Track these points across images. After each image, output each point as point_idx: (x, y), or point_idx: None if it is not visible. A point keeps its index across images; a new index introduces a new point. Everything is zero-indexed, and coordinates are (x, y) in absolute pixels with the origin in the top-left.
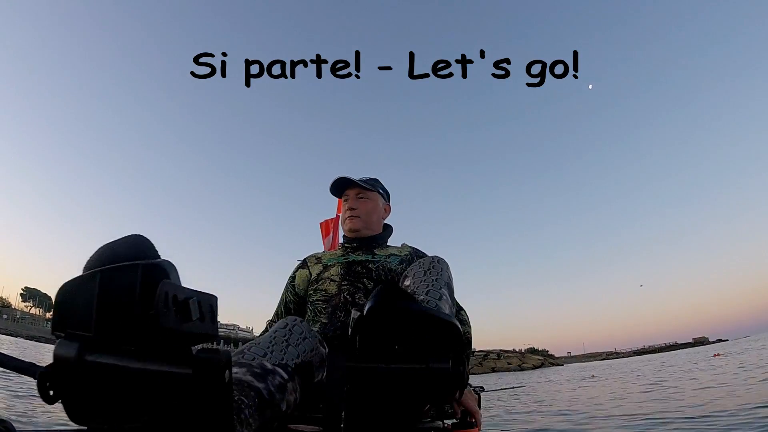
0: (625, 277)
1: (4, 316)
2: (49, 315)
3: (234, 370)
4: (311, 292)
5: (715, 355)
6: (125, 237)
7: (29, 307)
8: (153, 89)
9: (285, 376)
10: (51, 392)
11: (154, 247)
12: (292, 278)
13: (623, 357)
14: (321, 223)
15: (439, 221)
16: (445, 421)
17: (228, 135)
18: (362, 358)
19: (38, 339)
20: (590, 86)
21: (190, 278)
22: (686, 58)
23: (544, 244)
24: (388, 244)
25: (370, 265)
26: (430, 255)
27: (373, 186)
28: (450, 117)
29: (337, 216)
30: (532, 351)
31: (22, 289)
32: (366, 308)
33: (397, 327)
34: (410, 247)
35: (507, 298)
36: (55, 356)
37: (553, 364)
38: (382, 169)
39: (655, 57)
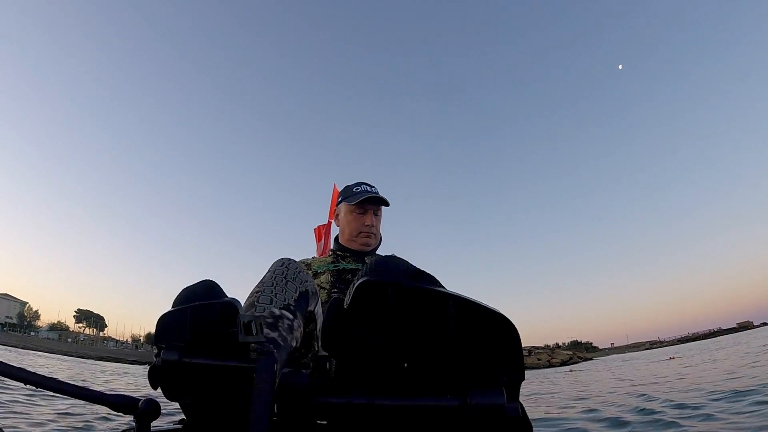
0: (667, 265)
1: (69, 340)
2: (102, 334)
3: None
4: None
5: None
6: (201, 282)
7: (83, 328)
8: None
9: (290, 316)
10: (155, 382)
11: (220, 288)
12: None
13: (667, 345)
14: (315, 229)
15: (459, 224)
16: None
17: (217, 133)
18: (344, 387)
19: (105, 359)
20: (620, 66)
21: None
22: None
23: (588, 238)
24: (377, 253)
25: (359, 273)
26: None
27: None
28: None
29: (329, 222)
30: (575, 344)
31: (75, 311)
32: (352, 289)
33: (406, 323)
34: (397, 256)
35: (550, 293)
36: (163, 359)
37: (582, 359)
38: (370, 170)
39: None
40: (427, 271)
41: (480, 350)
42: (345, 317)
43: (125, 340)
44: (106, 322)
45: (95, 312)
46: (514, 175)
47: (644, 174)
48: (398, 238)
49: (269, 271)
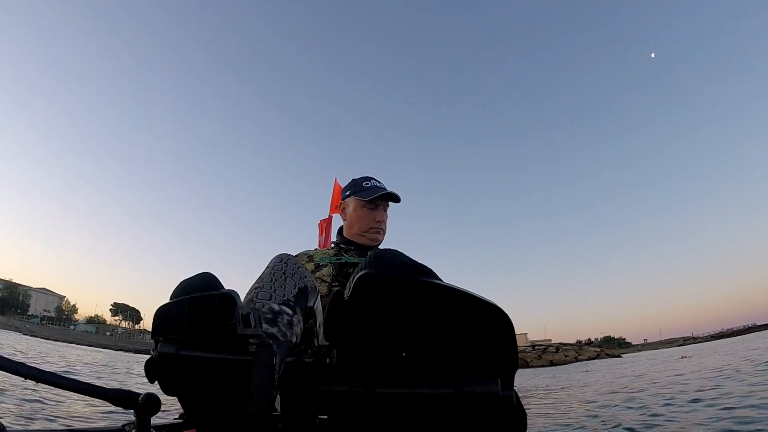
0: (702, 258)
1: (107, 333)
2: (137, 327)
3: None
4: None
5: None
6: (199, 274)
7: (119, 321)
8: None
9: (290, 312)
10: (152, 375)
11: (218, 280)
12: None
13: (700, 342)
14: (319, 223)
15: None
16: None
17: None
18: (345, 376)
19: (143, 351)
20: (652, 54)
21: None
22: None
23: (626, 233)
24: (380, 247)
25: (359, 266)
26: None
27: None
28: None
29: (330, 217)
30: (608, 339)
31: (112, 305)
32: (353, 281)
33: (404, 315)
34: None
35: (584, 289)
36: (160, 352)
37: (610, 356)
38: (375, 165)
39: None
40: (426, 265)
41: (475, 340)
42: (345, 309)
43: None
44: (142, 315)
45: (131, 305)
46: (548, 170)
47: (683, 167)
48: (407, 234)
49: (268, 266)
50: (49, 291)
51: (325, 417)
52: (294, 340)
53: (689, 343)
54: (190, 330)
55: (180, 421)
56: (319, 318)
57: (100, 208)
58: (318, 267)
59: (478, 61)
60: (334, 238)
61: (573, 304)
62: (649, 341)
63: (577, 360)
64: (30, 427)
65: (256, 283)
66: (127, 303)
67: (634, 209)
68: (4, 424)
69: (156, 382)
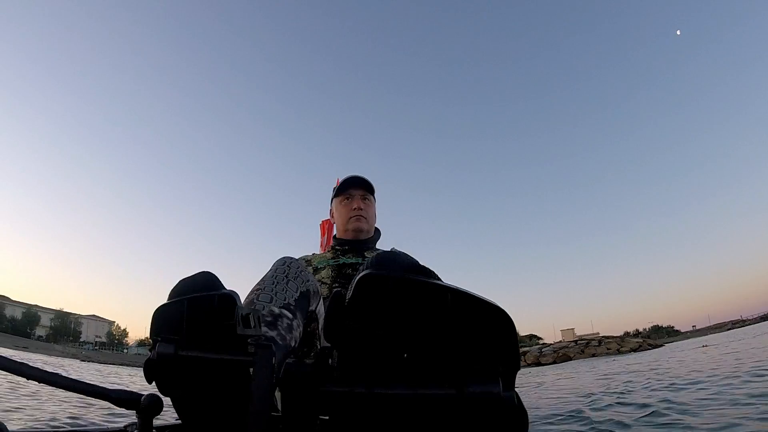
0: (749, 236)
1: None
2: None
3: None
4: None
5: None
6: (199, 273)
7: None
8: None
9: (290, 315)
10: (150, 376)
11: (219, 280)
12: None
13: (750, 324)
14: (321, 224)
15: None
16: None
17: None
18: (346, 377)
19: None
20: (678, 32)
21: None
22: None
23: (671, 219)
24: (377, 247)
25: (361, 268)
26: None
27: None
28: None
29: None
30: (656, 329)
31: None
32: (354, 283)
33: (405, 316)
34: (399, 250)
35: (630, 280)
36: (158, 353)
37: (652, 346)
38: (369, 162)
39: None
40: (428, 266)
41: (477, 341)
42: (346, 310)
43: None
44: None
45: None
46: (589, 159)
47: (732, 147)
48: (420, 233)
49: (271, 269)
50: (99, 317)
51: (326, 418)
52: (293, 344)
53: (738, 326)
54: (189, 330)
55: (181, 422)
56: (321, 322)
57: (141, 229)
58: (316, 270)
59: (491, 52)
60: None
61: (621, 295)
62: (697, 327)
63: (619, 352)
64: (31, 428)
65: (257, 285)
66: None
67: (679, 196)
68: (6, 424)
69: (154, 383)
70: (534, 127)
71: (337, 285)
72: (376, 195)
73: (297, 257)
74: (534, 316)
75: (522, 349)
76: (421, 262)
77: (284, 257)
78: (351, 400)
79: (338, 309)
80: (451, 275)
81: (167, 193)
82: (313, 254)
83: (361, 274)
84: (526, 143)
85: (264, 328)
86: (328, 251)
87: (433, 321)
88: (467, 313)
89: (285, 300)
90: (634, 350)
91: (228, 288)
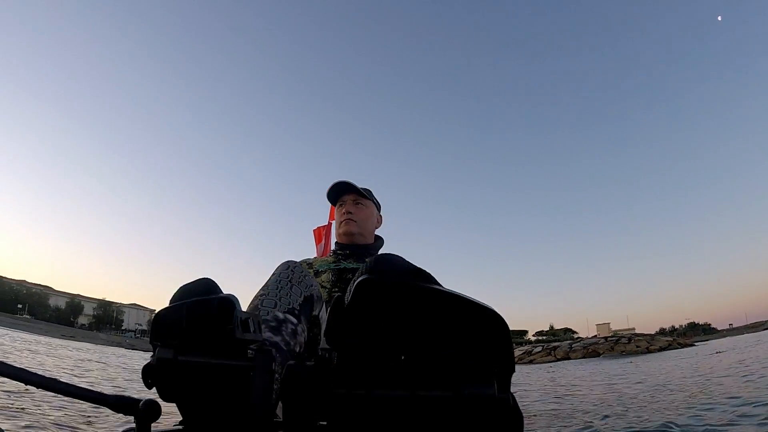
0: None
1: None
2: None
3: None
4: None
5: None
6: (199, 279)
7: None
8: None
9: (294, 321)
10: (149, 381)
11: (218, 286)
12: None
13: None
14: (314, 230)
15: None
16: None
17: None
18: (345, 379)
19: None
20: (719, 18)
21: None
22: None
23: (711, 218)
24: (382, 251)
25: (358, 272)
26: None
27: (369, 194)
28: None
29: (330, 224)
30: (692, 326)
31: None
32: (353, 286)
33: (402, 319)
34: (395, 254)
35: (668, 276)
36: (158, 357)
37: (682, 345)
38: (375, 174)
39: None
40: (425, 270)
41: (472, 344)
42: (346, 314)
43: None
44: None
45: None
46: (624, 157)
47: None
48: (416, 240)
49: (274, 274)
50: (140, 306)
51: (325, 423)
52: (297, 349)
53: None
54: (189, 335)
55: (180, 427)
56: (324, 327)
57: (179, 221)
58: (317, 273)
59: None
60: (333, 246)
61: (659, 291)
62: (734, 326)
63: (648, 351)
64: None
65: (261, 290)
66: None
67: (722, 194)
68: (4, 429)
69: (154, 388)
70: (599, 118)
71: (336, 290)
72: (381, 203)
73: (299, 260)
74: (571, 310)
75: (553, 344)
76: (420, 263)
77: (287, 261)
78: (350, 402)
79: (338, 313)
80: (477, 275)
81: (197, 197)
82: (314, 258)
83: (358, 279)
84: (583, 136)
85: (268, 334)
86: (330, 255)
87: (429, 324)
88: (462, 317)
89: (289, 305)
90: (663, 349)
91: (231, 294)
